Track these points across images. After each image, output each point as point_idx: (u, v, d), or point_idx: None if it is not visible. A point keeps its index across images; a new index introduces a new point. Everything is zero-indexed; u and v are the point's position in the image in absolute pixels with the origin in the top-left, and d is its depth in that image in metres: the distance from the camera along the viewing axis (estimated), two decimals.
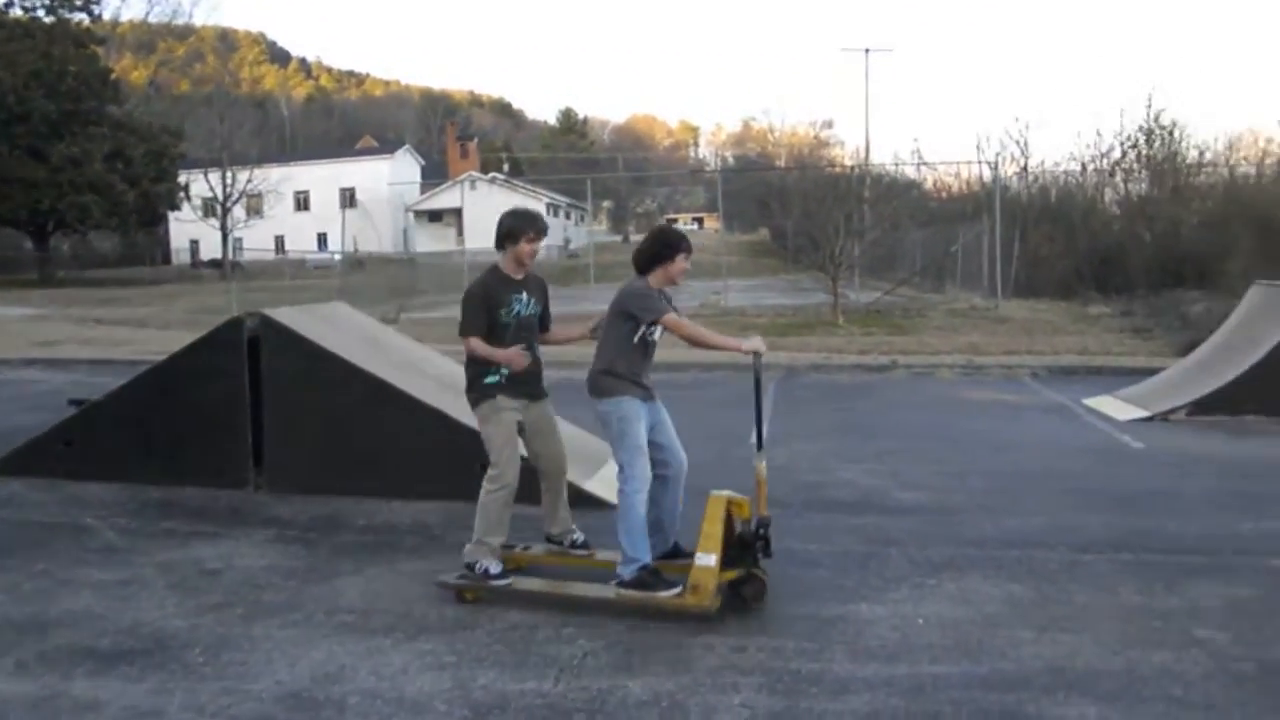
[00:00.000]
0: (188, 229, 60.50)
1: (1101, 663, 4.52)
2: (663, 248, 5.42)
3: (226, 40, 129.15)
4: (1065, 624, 4.97)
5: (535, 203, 67.97)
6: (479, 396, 5.49)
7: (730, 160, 75.59)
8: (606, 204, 78.17)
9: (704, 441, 9.30)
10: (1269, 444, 9.26)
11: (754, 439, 5.36)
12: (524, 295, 5.55)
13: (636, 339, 5.39)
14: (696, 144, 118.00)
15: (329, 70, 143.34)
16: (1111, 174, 28.03)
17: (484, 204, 62.35)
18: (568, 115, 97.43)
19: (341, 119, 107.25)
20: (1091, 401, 11.24)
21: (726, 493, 5.25)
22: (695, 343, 5.43)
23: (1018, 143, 31.83)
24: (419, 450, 7.32)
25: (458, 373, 8.52)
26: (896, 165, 31.16)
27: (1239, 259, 21.03)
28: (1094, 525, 6.64)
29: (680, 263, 5.42)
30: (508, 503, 5.41)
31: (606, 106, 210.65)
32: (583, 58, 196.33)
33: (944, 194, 31.06)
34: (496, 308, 5.43)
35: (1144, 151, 27.30)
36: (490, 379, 5.45)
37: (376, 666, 4.55)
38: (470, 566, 5.38)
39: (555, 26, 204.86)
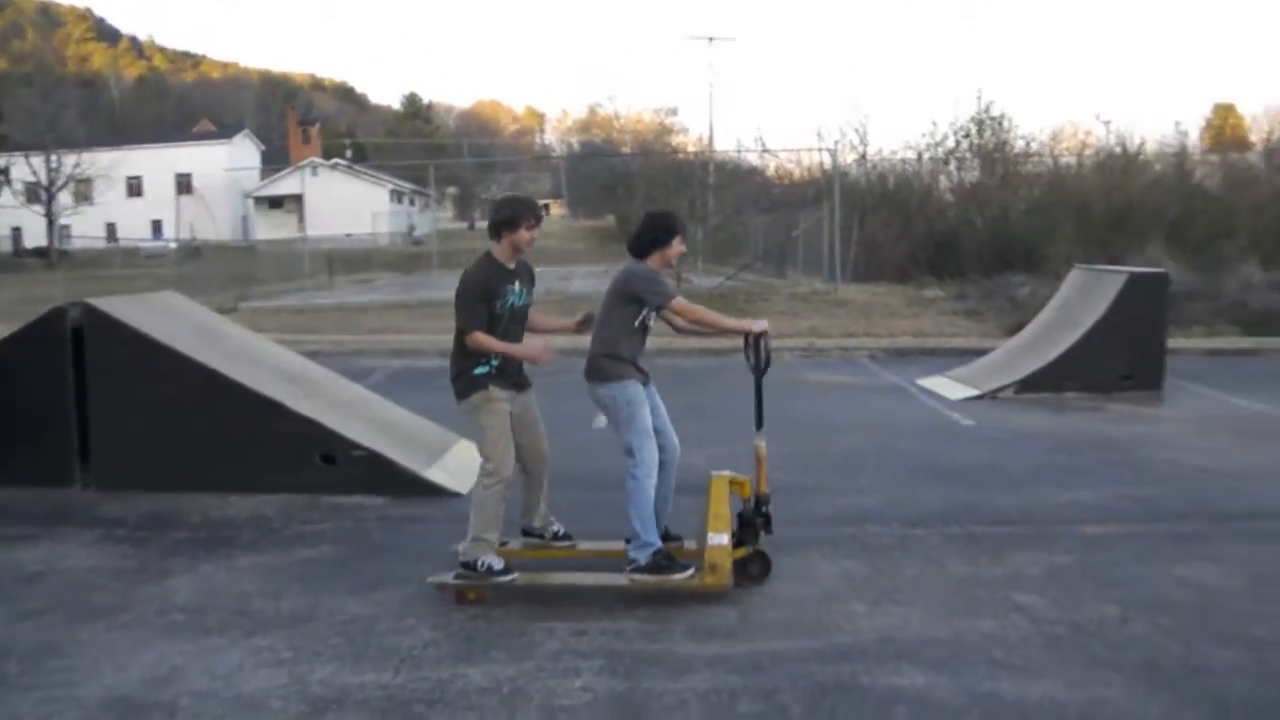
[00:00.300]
0: (9, 215, 57.43)
1: (930, 631, 4.70)
2: (661, 232, 5.40)
3: (49, 15, 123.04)
4: (897, 596, 5.15)
5: (379, 189, 66.92)
6: (469, 386, 5.26)
7: (576, 146, 75.35)
8: (452, 190, 77.20)
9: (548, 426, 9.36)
10: (1087, 419, 9.74)
11: (754, 419, 5.70)
12: (517, 285, 5.33)
13: (638, 323, 5.36)
14: (542, 130, 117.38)
15: (162, 50, 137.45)
16: (946, 162, 28.91)
17: (326, 191, 61.21)
18: (412, 100, 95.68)
19: (177, 102, 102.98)
20: (925, 382, 11.64)
21: (727, 473, 5.41)
22: (704, 324, 5.50)
23: (857, 131, 32.53)
24: (255, 442, 7.14)
25: (296, 363, 8.35)
26: (739, 152, 31.55)
27: (1062, 243, 22.03)
28: (925, 501, 6.90)
29: (676, 246, 5.45)
30: (504, 497, 5.23)
31: (452, 92, 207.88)
32: (428, 42, 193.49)
33: (786, 181, 31.58)
34: (493, 299, 5.20)
35: (975, 141, 28.26)
36: (481, 369, 5.25)
37: (210, 666, 4.43)
38: (470, 565, 5.15)
39: (399, 9, 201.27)
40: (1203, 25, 79.08)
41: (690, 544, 5.47)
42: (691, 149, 39.83)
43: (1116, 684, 4.17)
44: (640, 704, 4.06)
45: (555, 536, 5.64)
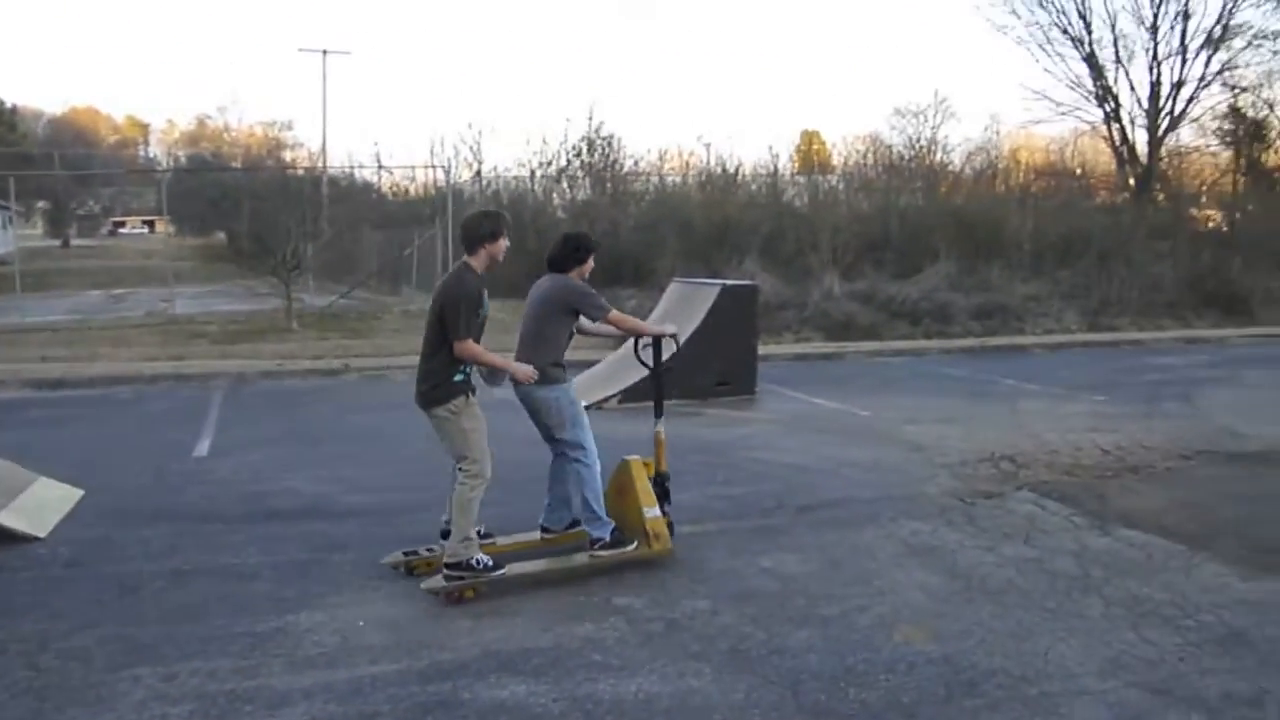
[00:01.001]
0: None
1: (532, 641, 4.79)
2: (582, 250, 5.96)
3: None
4: (501, 609, 5.21)
5: None
6: (449, 392, 5.44)
7: (183, 160, 71.14)
8: (42, 205, 70.66)
9: (144, 457, 8.77)
10: (687, 424, 10.27)
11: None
12: (485, 295, 5.51)
13: (571, 331, 5.94)
14: (147, 142, 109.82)
15: None
16: (558, 180, 29.62)
17: None
18: None
19: None
20: None
21: (636, 457, 6.18)
22: (628, 330, 6.31)
23: (471, 148, 32.69)
24: None
25: None
26: (354, 168, 30.95)
27: (668, 258, 23.12)
28: (527, 512, 6.98)
29: (590, 263, 6.02)
30: (480, 497, 5.49)
31: (41, 96, 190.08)
32: (11, 39, 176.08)
33: (401, 197, 31.29)
34: (477, 309, 5.38)
35: (587, 160, 29.15)
36: (459, 377, 5.45)
37: None
38: (462, 565, 5.38)
39: None
40: (792, 58, 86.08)
41: (501, 540, 6.04)
42: (305, 164, 38.63)
43: (706, 674, 4.42)
44: None
45: (480, 535, 5.68)
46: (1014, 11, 33.61)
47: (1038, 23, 33.33)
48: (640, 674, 4.41)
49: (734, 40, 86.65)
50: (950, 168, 32.93)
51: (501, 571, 5.48)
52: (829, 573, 5.75)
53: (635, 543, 5.84)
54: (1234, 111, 33.35)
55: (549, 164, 28.76)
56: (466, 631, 4.90)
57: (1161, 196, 30.24)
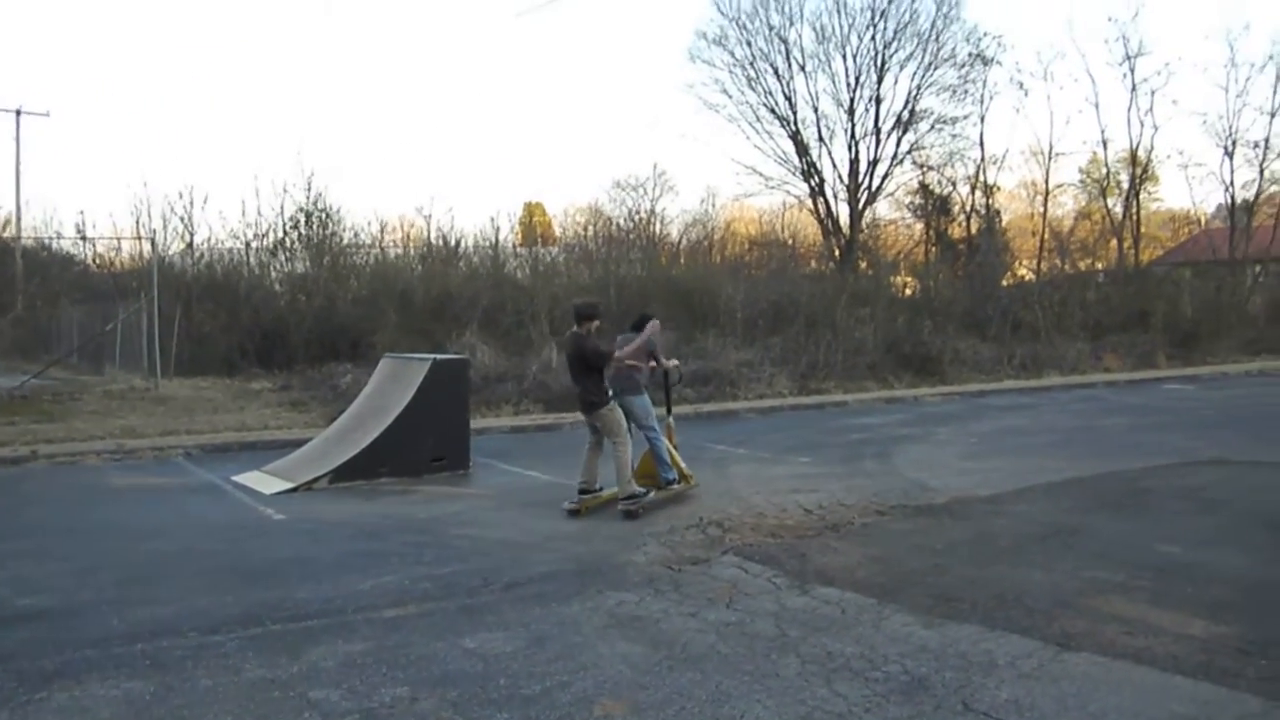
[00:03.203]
0: None
1: None
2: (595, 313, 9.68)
3: None
4: (187, 712, 4.82)
5: None
6: (604, 400, 9.41)
7: None
8: None
9: None
10: (397, 503, 9.99)
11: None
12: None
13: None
14: None
15: None
16: (274, 252, 28.64)
17: None
18: None
19: None
20: (241, 478, 11.26)
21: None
22: (628, 359, 9.66)
23: (183, 218, 31.12)
24: None
25: None
26: (53, 238, 28.91)
27: (387, 332, 22.69)
28: (227, 604, 6.59)
29: (599, 322, 9.75)
30: (628, 457, 9.40)
31: None
32: None
33: (106, 269, 29.43)
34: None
35: (304, 232, 28.34)
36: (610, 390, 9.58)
37: None
38: (635, 496, 9.24)
39: None
40: (515, 130, 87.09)
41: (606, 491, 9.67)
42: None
43: None
44: None
45: (596, 491, 9.58)
46: (725, 91, 35.22)
47: (747, 102, 35.14)
48: None
49: (457, 111, 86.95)
50: (669, 239, 34.06)
51: (649, 494, 9.45)
52: (533, 650, 5.63)
53: (680, 484, 10.07)
54: (923, 188, 36.17)
55: (263, 236, 27.81)
56: None
57: (863, 265, 32.23)
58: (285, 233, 28.22)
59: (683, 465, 10.19)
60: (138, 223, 30.50)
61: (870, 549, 7.87)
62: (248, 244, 28.02)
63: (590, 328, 9.36)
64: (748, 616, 6.15)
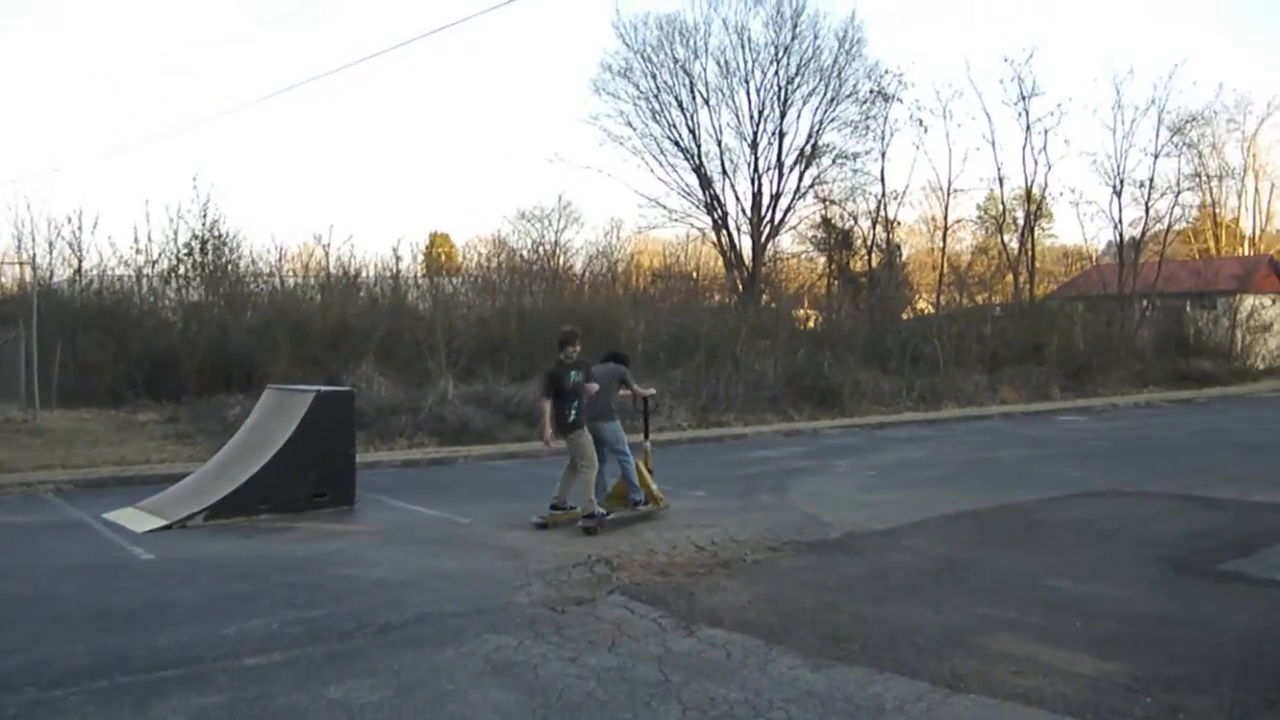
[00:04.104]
0: None
1: None
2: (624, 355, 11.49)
3: None
4: None
5: None
6: (576, 425, 10.07)
7: None
8: None
9: None
10: (275, 541, 9.56)
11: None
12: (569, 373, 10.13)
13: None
14: None
15: None
16: (167, 280, 27.79)
17: None
18: None
19: None
20: (112, 515, 10.71)
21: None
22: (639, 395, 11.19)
23: (70, 244, 30.02)
24: None
25: None
26: None
27: (281, 363, 22.07)
28: (77, 654, 6.15)
29: (571, 348, 10.32)
30: (591, 479, 10.05)
31: None
32: None
33: None
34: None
35: (199, 259, 27.54)
36: (572, 417, 10.05)
37: None
38: (594, 515, 9.83)
39: None
40: (422, 159, 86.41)
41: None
42: None
43: None
44: None
45: (568, 508, 10.20)
46: (629, 123, 35.20)
47: (651, 135, 35.17)
48: None
49: (363, 139, 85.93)
50: (573, 270, 33.84)
51: (610, 514, 10.09)
52: (400, 700, 5.31)
53: (649, 504, 10.67)
54: (825, 222, 36.51)
55: (153, 263, 26.95)
56: None
57: (766, 298, 32.34)
58: (179, 260, 27.41)
59: (653, 487, 10.75)
60: (19, 246, 29.43)
61: (760, 587, 7.69)
62: (139, 271, 27.16)
63: (571, 353, 10.17)
64: (630, 660, 5.91)
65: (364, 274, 28.43)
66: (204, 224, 27.27)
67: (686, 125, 34.79)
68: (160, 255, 26.76)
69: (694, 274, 35.29)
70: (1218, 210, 54.87)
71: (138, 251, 26.47)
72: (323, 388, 11.94)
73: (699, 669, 5.77)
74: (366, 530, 10.15)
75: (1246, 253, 52.15)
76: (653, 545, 9.13)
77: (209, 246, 27.84)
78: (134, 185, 60.86)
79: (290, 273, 29.95)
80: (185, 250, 27.36)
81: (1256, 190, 57.76)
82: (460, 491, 12.53)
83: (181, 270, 27.45)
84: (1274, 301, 44.05)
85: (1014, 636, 6.36)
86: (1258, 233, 58.72)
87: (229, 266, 27.85)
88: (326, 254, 28.47)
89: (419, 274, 33.45)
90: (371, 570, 8.29)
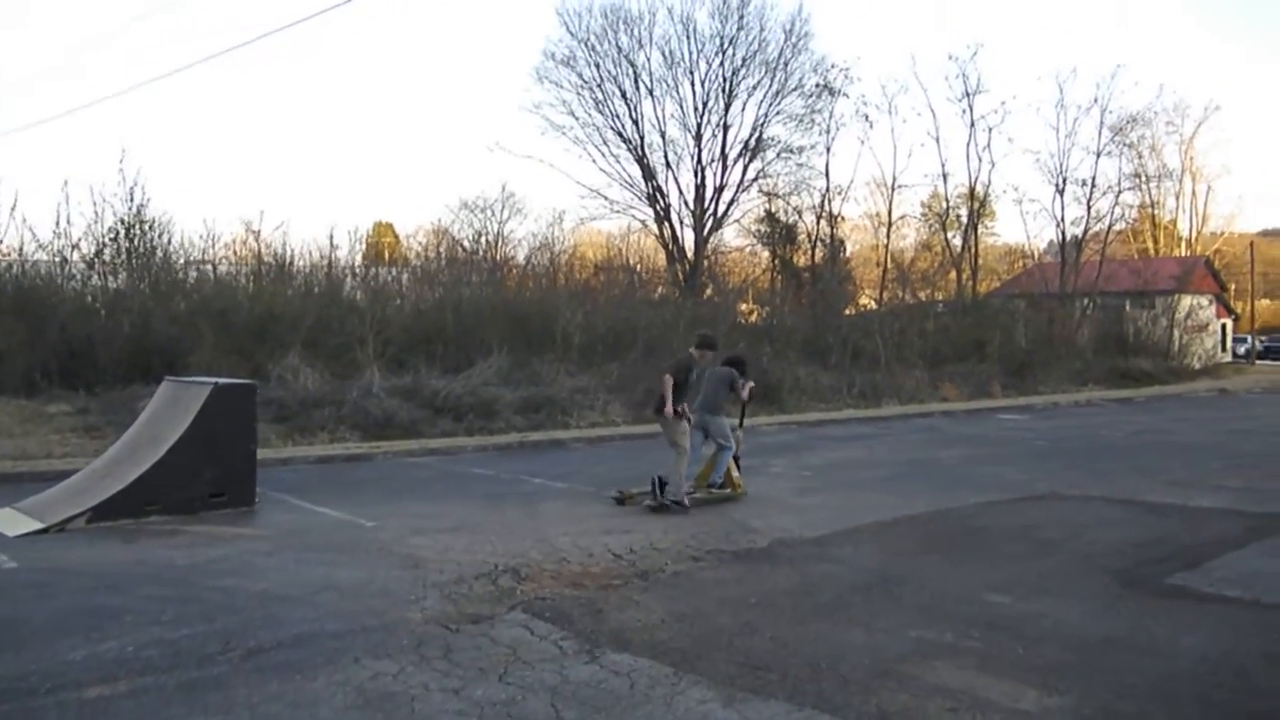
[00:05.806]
0: None
1: None
2: (741, 365, 12.31)
3: None
4: None
5: None
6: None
7: None
8: None
9: None
10: (159, 547, 8.80)
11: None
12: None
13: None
14: None
15: None
16: (90, 265, 26.74)
17: None
18: None
19: None
20: None
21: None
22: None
23: None
24: None
25: None
26: None
27: (203, 352, 21.19)
28: None
29: (705, 353, 11.61)
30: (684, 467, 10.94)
31: None
32: None
33: None
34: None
35: (124, 245, 26.50)
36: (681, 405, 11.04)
37: None
38: (677, 502, 10.61)
39: None
40: (366, 147, 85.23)
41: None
42: None
43: None
44: None
45: (718, 486, 11.53)
46: (572, 113, 34.54)
47: (594, 124, 34.54)
48: None
49: (306, 125, 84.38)
50: (515, 261, 33.10)
51: (687, 505, 10.69)
52: None
53: (727, 488, 11.47)
54: (769, 216, 36.07)
55: (74, 247, 25.84)
56: None
57: (708, 291, 31.85)
58: (103, 244, 26.36)
59: (735, 475, 11.57)
60: None
61: (676, 603, 7.10)
62: (60, 256, 26.08)
63: (704, 357, 11.45)
64: (520, 692, 5.28)
65: (299, 262, 27.56)
66: (130, 208, 26.24)
67: (630, 115, 34.27)
68: (81, 239, 25.65)
69: (636, 266, 34.72)
70: (1156, 211, 55.42)
71: (58, 235, 25.39)
72: (221, 380, 11.16)
73: (596, 702, 5.17)
74: (260, 535, 9.39)
75: (1184, 253, 52.65)
76: (566, 553, 8.52)
77: (134, 231, 26.82)
78: (55, 163, 59.12)
79: (223, 260, 28.98)
80: (110, 235, 26.33)
81: (1194, 192, 58.53)
82: (372, 491, 11.83)
83: (106, 255, 26.43)
84: (1210, 302, 44.41)
85: (950, 665, 5.81)
86: (1194, 234, 59.42)
87: (155, 253, 26.86)
88: (258, 241, 27.57)
89: (356, 264, 32.57)
90: (255, 581, 7.57)
